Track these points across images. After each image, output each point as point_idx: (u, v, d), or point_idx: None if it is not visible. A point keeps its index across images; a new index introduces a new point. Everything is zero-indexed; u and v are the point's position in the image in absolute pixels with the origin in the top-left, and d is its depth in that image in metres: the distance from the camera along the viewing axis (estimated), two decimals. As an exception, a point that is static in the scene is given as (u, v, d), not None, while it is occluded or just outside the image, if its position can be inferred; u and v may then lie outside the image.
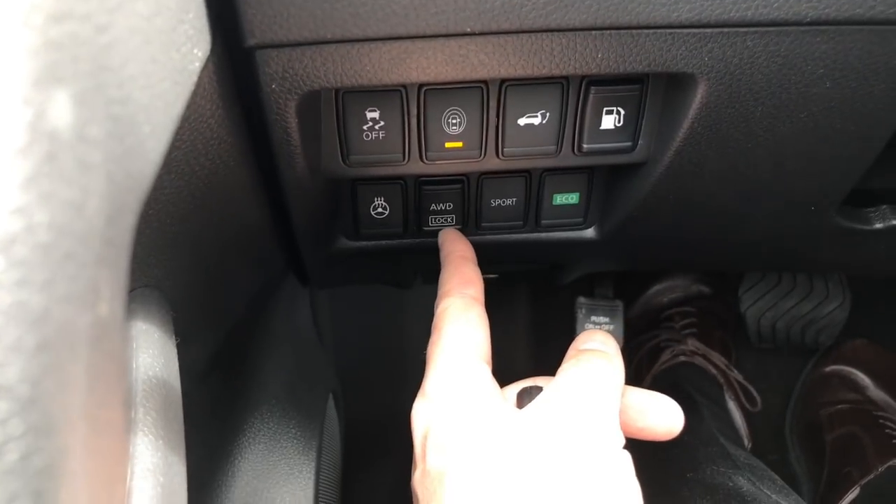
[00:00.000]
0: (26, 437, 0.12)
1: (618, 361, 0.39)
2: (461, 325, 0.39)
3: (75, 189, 0.14)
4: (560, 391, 0.36)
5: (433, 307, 0.42)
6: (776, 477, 0.61)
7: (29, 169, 0.13)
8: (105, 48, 0.16)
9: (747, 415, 0.92)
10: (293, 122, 0.38)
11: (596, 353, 0.39)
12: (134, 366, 0.29)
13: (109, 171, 0.15)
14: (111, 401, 0.15)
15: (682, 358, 0.94)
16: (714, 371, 0.93)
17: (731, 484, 0.57)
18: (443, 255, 0.46)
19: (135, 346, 0.30)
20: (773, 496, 0.56)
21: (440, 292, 0.42)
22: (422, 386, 0.39)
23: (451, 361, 0.38)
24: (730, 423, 0.88)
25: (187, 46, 0.25)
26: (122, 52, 0.18)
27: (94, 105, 0.15)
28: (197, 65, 0.27)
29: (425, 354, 0.40)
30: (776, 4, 0.35)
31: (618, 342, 0.93)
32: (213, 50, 0.30)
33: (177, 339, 0.34)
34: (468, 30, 0.35)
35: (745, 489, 0.57)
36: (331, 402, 0.65)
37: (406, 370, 0.90)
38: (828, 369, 1.02)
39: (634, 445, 0.38)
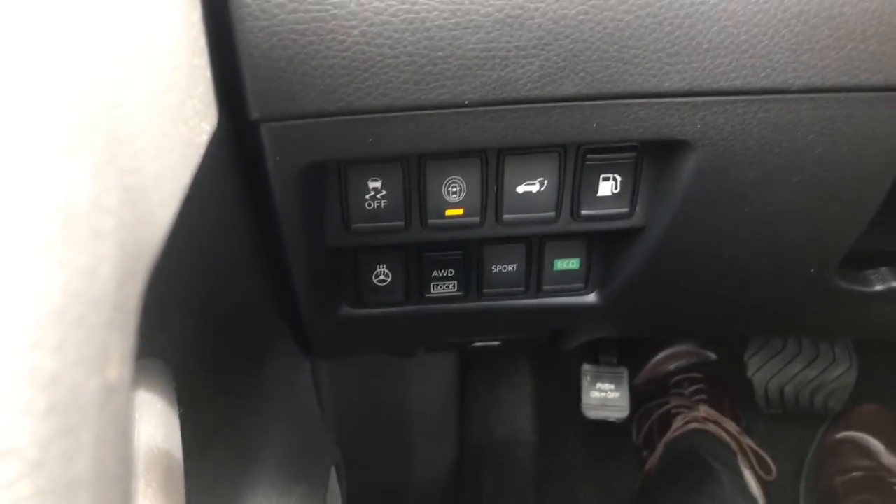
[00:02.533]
0: (34, 499, 0.12)
1: None
2: None
3: (88, 255, 0.14)
4: None
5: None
6: None
7: (45, 236, 0.13)
8: (119, 121, 0.17)
9: (762, 483, 0.90)
10: (297, 192, 0.39)
11: None
12: (136, 436, 0.29)
13: (121, 239, 0.16)
14: (116, 467, 0.15)
15: (695, 425, 0.92)
16: (727, 438, 0.91)
17: None
18: None
19: (137, 416, 0.30)
20: None
21: None
22: None
23: None
24: (748, 490, 0.86)
25: (195, 120, 0.26)
26: (135, 125, 0.19)
27: (108, 175, 0.16)
28: (204, 137, 0.27)
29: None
30: (763, 74, 0.36)
31: (623, 409, 0.92)
32: (219, 123, 0.31)
33: (179, 410, 0.34)
34: (465, 102, 0.36)
35: None
36: (333, 475, 0.63)
37: (408, 440, 0.89)
38: (839, 436, 1.00)
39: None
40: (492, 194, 0.44)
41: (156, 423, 0.31)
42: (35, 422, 0.12)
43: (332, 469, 0.63)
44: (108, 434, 0.15)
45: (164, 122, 0.21)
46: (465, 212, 0.45)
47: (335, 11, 0.33)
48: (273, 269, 0.47)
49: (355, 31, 0.33)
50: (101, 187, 0.15)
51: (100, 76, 0.17)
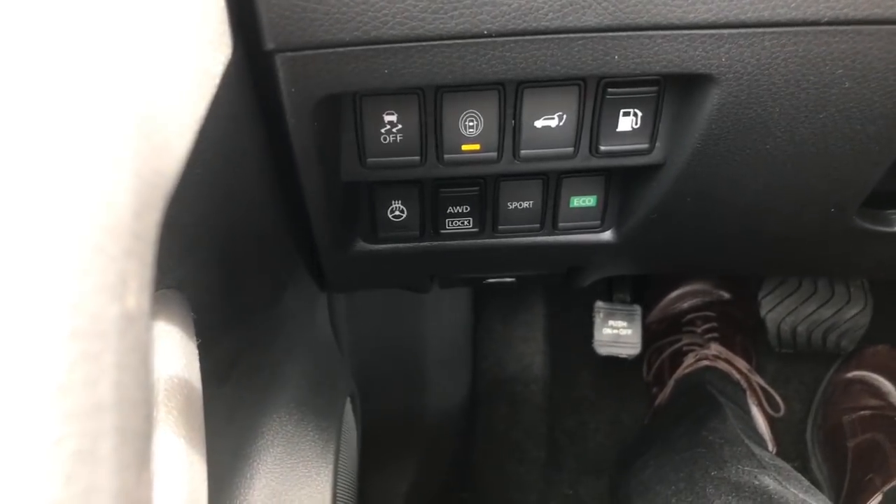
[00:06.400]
0: (60, 420, 0.13)
1: None
2: None
3: (106, 184, 0.14)
4: None
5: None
6: (802, 477, 0.60)
7: (62, 164, 0.13)
8: (133, 53, 0.17)
9: (770, 420, 0.91)
10: (312, 125, 0.39)
11: None
12: (156, 365, 0.30)
13: (137, 168, 0.16)
14: (137, 392, 0.16)
15: (705, 362, 0.93)
16: (737, 375, 0.92)
17: (756, 483, 0.57)
18: None
19: (157, 346, 0.31)
20: (801, 495, 0.55)
21: None
22: None
23: None
24: (753, 427, 0.88)
25: (210, 50, 0.26)
26: (149, 56, 0.18)
27: (122, 105, 0.16)
28: (219, 68, 0.27)
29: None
30: (793, 4, 0.35)
31: (634, 346, 0.93)
32: (233, 54, 0.30)
33: (197, 341, 0.34)
34: (485, 32, 0.35)
35: (771, 488, 0.56)
36: (348, 406, 0.65)
37: (422, 373, 0.91)
38: (850, 375, 1.01)
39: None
40: (509, 129, 0.44)
41: (175, 353, 0.31)
42: (58, 346, 0.13)
43: (348, 399, 0.65)
44: (129, 360, 0.15)
45: (179, 53, 0.21)
46: (481, 147, 0.44)
47: (350, -64, 0.32)
48: (289, 203, 0.47)
49: (371, -43, 0.32)
50: (115, 117, 0.15)
51: (113, 8, 0.16)
